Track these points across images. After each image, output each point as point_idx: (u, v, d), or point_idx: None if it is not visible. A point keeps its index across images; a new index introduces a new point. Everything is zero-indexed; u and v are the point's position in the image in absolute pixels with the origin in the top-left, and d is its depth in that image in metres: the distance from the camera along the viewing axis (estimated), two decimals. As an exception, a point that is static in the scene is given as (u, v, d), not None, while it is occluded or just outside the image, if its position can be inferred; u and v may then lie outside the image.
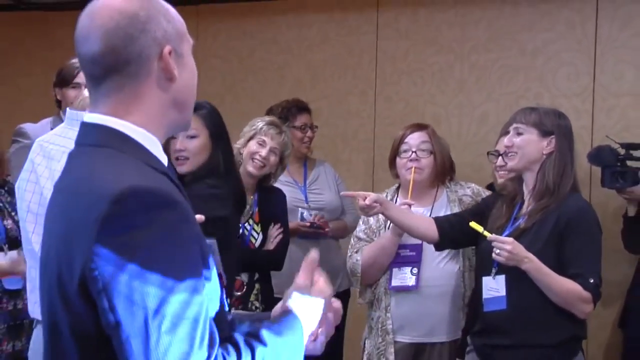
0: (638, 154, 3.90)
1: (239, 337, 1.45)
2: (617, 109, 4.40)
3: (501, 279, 2.96)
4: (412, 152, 3.41)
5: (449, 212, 3.41)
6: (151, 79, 1.48)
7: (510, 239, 2.90)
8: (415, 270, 3.36)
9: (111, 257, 1.32)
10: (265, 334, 1.48)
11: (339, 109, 4.96)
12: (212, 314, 1.44)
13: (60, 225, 1.44)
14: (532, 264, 2.86)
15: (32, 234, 2.50)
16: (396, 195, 3.55)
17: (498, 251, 2.89)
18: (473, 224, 3.12)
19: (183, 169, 3.15)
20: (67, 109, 2.64)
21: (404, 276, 3.37)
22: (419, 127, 3.53)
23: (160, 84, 1.50)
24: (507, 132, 3.12)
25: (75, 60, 3.94)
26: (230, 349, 1.42)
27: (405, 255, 3.40)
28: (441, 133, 4.51)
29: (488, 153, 3.30)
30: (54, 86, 3.88)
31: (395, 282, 3.37)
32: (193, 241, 1.41)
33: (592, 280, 2.87)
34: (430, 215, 3.41)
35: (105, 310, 1.34)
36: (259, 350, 1.44)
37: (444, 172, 3.51)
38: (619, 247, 4.14)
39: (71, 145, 2.38)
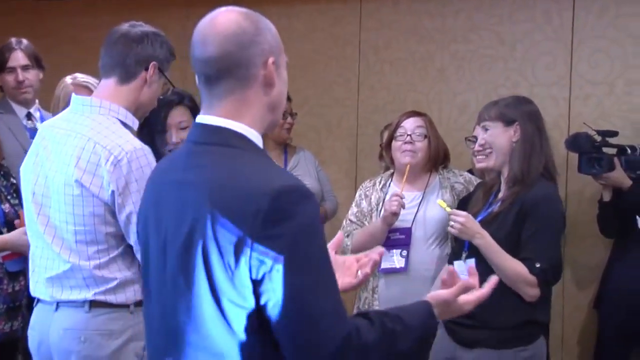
0: (614, 140, 4.00)
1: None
2: (593, 97, 4.49)
3: (471, 262, 3.00)
4: (407, 135, 3.50)
5: (439, 197, 3.48)
6: (256, 85, 1.72)
7: (465, 213, 2.98)
8: (404, 253, 3.42)
9: (271, 244, 1.56)
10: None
11: (323, 97, 5.05)
12: None
13: (208, 215, 1.62)
14: (484, 240, 2.92)
15: (38, 216, 2.53)
16: (390, 180, 3.63)
17: (452, 223, 2.97)
18: (439, 202, 3.23)
19: None
20: (73, 94, 2.68)
21: (393, 258, 3.42)
22: (416, 113, 3.62)
23: (263, 90, 1.73)
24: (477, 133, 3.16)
25: (8, 42, 4.00)
26: (361, 321, 1.66)
27: (395, 238, 3.46)
28: (423, 121, 4.63)
29: (466, 139, 3.39)
30: None
31: (384, 265, 3.41)
32: (321, 228, 1.67)
33: (538, 265, 2.89)
34: (421, 200, 3.49)
35: (265, 286, 1.58)
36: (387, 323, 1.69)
37: (437, 158, 3.58)
38: (594, 231, 4.25)
39: (76, 129, 2.47)
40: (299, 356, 1.61)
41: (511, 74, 4.66)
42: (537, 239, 2.93)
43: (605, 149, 3.95)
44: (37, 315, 2.61)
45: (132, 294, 2.53)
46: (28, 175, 2.59)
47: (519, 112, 3.06)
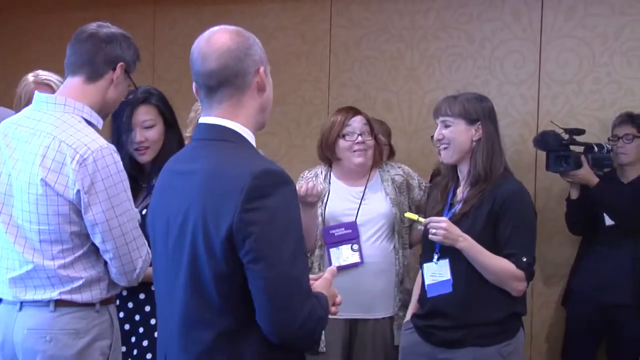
0: (581, 139, 4.04)
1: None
2: (561, 96, 4.53)
3: (444, 263, 3.03)
4: (357, 135, 3.49)
5: (382, 192, 3.50)
6: (250, 90, 2.01)
7: (444, 218, 2.98)
8: (355, 247, 3.41)
9: (253, 216, 1.84)
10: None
11: (293, 95, 5.04)
12: None
13: (201, 196, 1.93)
14: (467, 242, 2.94)
15: (0, 214, 2.50)
16: (329, 172, 3.60)
17: (434, 231, 2.96)
18: (408, 214, 3.21)
19: (144, 158, 3.17)
20: (36, 92, 2.65)
21: (345, 254, 3.41)
22: (356, 111, 3.59)
23: (256, 94, 2.03)
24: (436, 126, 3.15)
25: None
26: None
27: (341, 234, 3.45)
28: (392, 119, 4.65)
29: (431, 137, 3.39)
30: None
31: (337, 262, 3.38)
32: (298, 209, 1.95)
33: (524, 259, 2.94)
34: (363, 194, 3.49)
35: (248, 252, 1.85)
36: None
37: (381, 154, 3.61)
38: (562, 229, 4.29)
39: (40, 127, 2.45)
40: (271, 319, 1.87)
41: (480, 72, 4.68)
42: (518, 234, 2.96)
43: (572, 147, 3.98)
44: (0, 315, 2.58)
45: (98, 292, 2.51)
46: None
47: (481, 111, 3.07)
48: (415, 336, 3.14)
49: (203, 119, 2.05)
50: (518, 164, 4.33)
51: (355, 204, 3.49)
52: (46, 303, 2.47)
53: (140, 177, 3.19)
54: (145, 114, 3.19)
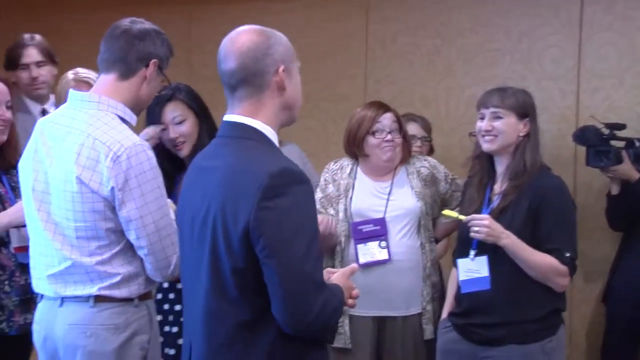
0: (621, 133, 3.99)
1: None
2: (601, 90, 4.47)
3: (482, 260, 3.02)
4: (387, 132, 3.47)
5: (408, 186, 3.49)
6: (270, 89, 2.08)
7: (486, 216, 2.97)
8: (383, 244, 3.39)
9: (268, 214, 1.93)
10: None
11: (329, 92, 5.04)
12: None
13: (221, 192, 2.02)
14: (510, 239, 2.93)
15: (39, 212, 2.54)
16: (356, 166, 3.59)
17: (476, 229, 2.95)
18: (446, 212, 3.20)
19: (183, 153, 3.24)
20: (70, 90, 2.68)
21: (372, 251, 3.39)
22: (387, 107, 3.58)
23: (276, 93, 2.09)
24: (482, 115, 3.15)
25: (21, 38, 4.01)
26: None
27: (369, 230, 3.43)
28: (430, 115, 4.63)
29: (470, 134, 3.37)
30: (5, 69, 3.94)
31: (364, 259, 3.38)
32: (313, 207, 2.06)
33: (567, 254, 2.94)
34: (390, 190, 3.47)
35: (262, 248, 1.94)
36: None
37: (409, 152, 3.59)
38: (602, 224, 4.24)
39: (75, 125, 2.47)
40: (286, 313, 1.96)
41: (518, 68, 4.64)
42: (560, 229, 2.97)
43: (613, 142, 3.94)
44: (42, 311, 2.62)
45: (136, 287, 2.54)
46: (27, 172, 2.59)
47: (531, 106, 3.09)
48: (454, 334, 3.13)
49: (227, 117, 2.14)
50: (557, 159, 4.29)
51: (381, 199, 3.48)
52: (86, 299, 2.50)
53: (183, 171, 3.24)
54: (173, 111, 3.25)
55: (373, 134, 3.48)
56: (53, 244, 2.51)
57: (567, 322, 4.39)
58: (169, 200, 2.61)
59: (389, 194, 3.48)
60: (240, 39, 2.09)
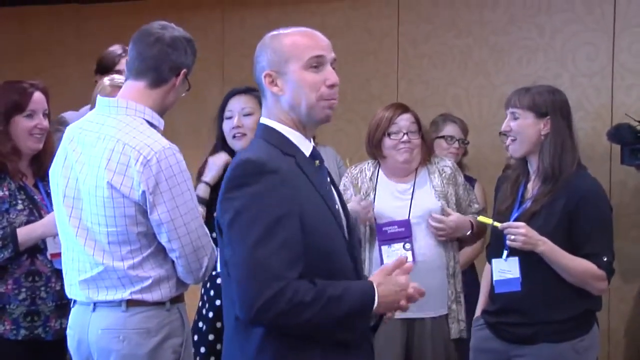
0: (657, 131, 3.97)
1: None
2: (636, 87, 4.44)
3: (513, 261, 2.99)
4: (404, 133, 3.44)
5: (429, 185, 3.46)
6: (270, 93, 2.14)
7: (522, 224, 2.92)
8: (408, 246, 3.36)
9: (228, 205, 2.00)
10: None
11: (362, 93, 5.05)
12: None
13: None
14: (546, 246, 2.89)
15: (70, 218, 2.57)
16: (377, 169, 3.56)
17: (513, 237, 2.92)
18: (481, 218, 3.17)
19: (239, 144, 3.28)
20: (98, 96, 2.71)
21: (397, 252, 3.35)
22: (405, 108, 3.54)
23: (275, 97, 2.13)
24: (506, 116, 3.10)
25: (113, 49, 4.06)
26: (304, 283, 1.98)
27: (394, 231, 3.40)
28: (462, 114, 4.61)
29: (500, 133, 3.35)
30: (96, 73, 3.98)
31: (388, 261, 3.31)
32: (277, 197, 2.01)
33: (605, 259, 2.90)
34: (413, 191, 3.46)
35: (225, 243, 2.03)
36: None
37: (429, 153, 3.55)
38: (638, 223, 4.21)
39: (104, 131, 2.51)
40: (238, 299, 1.98)
41: (551, 65, 4.62)
42: (597, 233, 2.93)
43: (648, 140, 3.91)
44: (75, 316, 2.64)
45: (167, 291, 2.56)
46: (58, 178, 2.62)
47: (552, 104, 3.00)
48: (486, 332, 3.12)
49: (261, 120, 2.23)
50: (592, 157, 4.25)
51: (403, 201, 3.45)
52: (118, 303, 2.52)
53: None
54: (245, 102, 3.35)
55: (389, 135, 3.47)
56: (85, 250, 2.54)
57: (606, 320, 4.36)
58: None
59: (412, 195, 3.48)
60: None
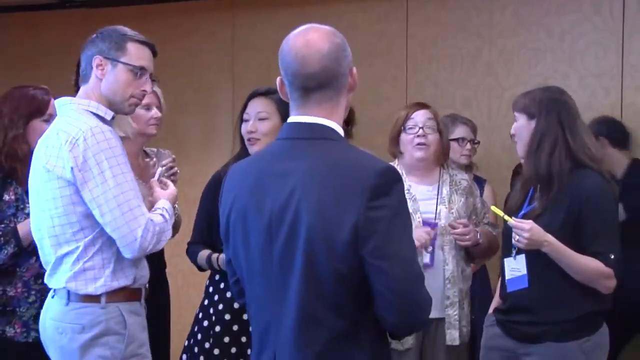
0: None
1: None
2: (646, 86, 4.45)
3: (521, 258, 3.01)
4: (419, 128, 3.43)
5: (451, 192, 3.46)
6: (345, 90, 2.06)
7: (528, 222, 2.92)
8: (430, 249, 3.34)
9: (378, 213, 1.90)
10: None
11: (371, 95, 5.06)
12: None
13: (313, 195, 1.95)
14: (552, 246, 2.90)
15: (33, 217, 2.78)
16: (400, 170, 3.50)
17: (518, 238, 2.93)
18: (494, 208, 3.20)
19: (253, 149, 3.24)
20: (53, 100, 2.92)
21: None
22: (424, 105, 3.55)
23: (347, 93, 2.07)
24: None
25: None
26: None
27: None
28: (471, 116, 4.63)
29: (511, 135, 3.36)
30: None
31: None
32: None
33: (612, 256, 2.90)
34: (438, 194, 3.45)
35: (373, 249, 1.90)
36: None
37: (446, 153, 3.55)
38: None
39: (52, 127, 2.68)
40: (401, 312, 1.95)
41: (560, 66, 4.62)
42: (604, 231, 2.93)
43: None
44: (46, 304, 2.81)
45: (102, 282, 2.64)
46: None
47: (539, 104, 3.00)
48: (496, 329, 3.14)
49: (295, 118, 2.07)
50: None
51: (432, 203, 3.44)
52: (64, 295, 2.66)
53: None
54: (261, 106, 3.30)
55: (405, 130, 3.49)
56: (45, 237, 2.68)
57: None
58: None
59: (437, 198, 3.46)
60: (318, 40, 2.03)
